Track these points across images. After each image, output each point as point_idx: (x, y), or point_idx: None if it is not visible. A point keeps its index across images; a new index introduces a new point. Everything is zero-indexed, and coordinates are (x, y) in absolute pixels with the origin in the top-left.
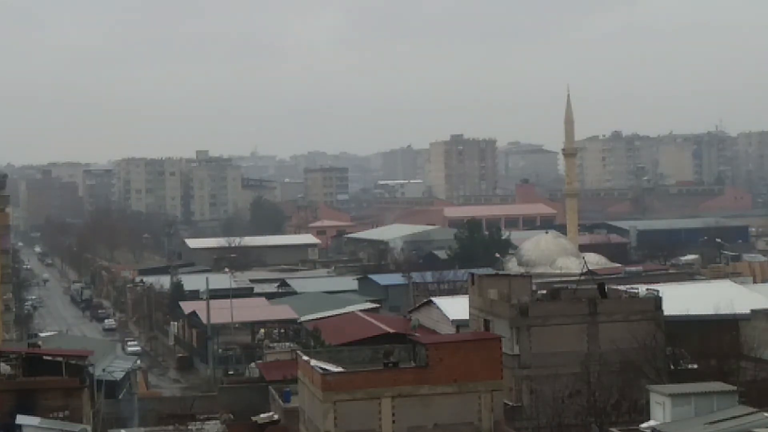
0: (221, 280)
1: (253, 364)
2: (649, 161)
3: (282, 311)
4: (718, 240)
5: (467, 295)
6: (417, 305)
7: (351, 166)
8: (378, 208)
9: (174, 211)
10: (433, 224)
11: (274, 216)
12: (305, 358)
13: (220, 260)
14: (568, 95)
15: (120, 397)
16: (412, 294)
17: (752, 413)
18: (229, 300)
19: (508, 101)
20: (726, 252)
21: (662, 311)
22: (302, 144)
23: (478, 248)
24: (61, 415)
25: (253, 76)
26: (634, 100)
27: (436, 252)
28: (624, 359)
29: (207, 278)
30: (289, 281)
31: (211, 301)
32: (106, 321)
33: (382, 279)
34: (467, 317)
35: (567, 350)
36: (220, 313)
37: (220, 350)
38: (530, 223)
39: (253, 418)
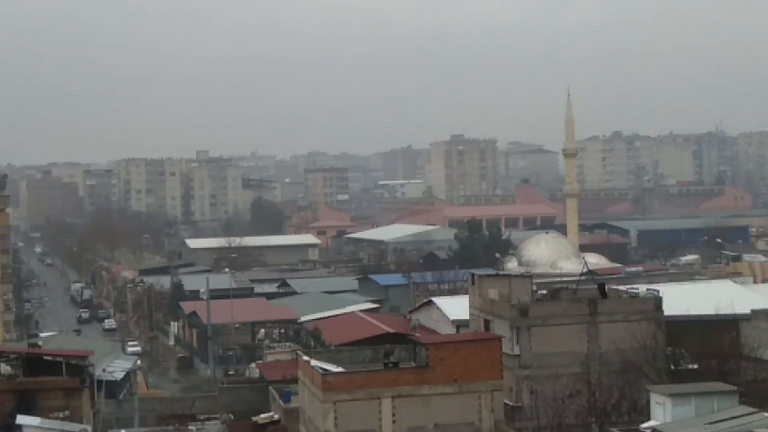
0: (221, 280)
1: (253, 364)
2: (649, 161)
3: (282, 311)
4: (719, 240)
5: (467, 295)
6: (417, 305)
7: (351, 166)
8: (378, 209)
9: (174, 211)
10: (433, 224)
11: (275, 216)
12: (305, 358)
13: (220, 260)
14: (568, 95)
15: (120, 397)
16: (412, 294)
17: (752, 413)
18: (229, 300)
19: (508, 101)
20: (726, 252)
21: (662, 311)
22: (302, 144)
23: (479, 248)
24: (61, 415)
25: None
26: (634, 100)
27: (436, 252)
28: (624, 359)
29: (207, 278)
30: (289, 281)
31: (212, 301)
32: (106, 321)
33: (382, 279)
34: (467, 317)
35: (567, 350)
36: (220, 313)
37: (220, 350)
38: (530, 223)
39: (253, 418)
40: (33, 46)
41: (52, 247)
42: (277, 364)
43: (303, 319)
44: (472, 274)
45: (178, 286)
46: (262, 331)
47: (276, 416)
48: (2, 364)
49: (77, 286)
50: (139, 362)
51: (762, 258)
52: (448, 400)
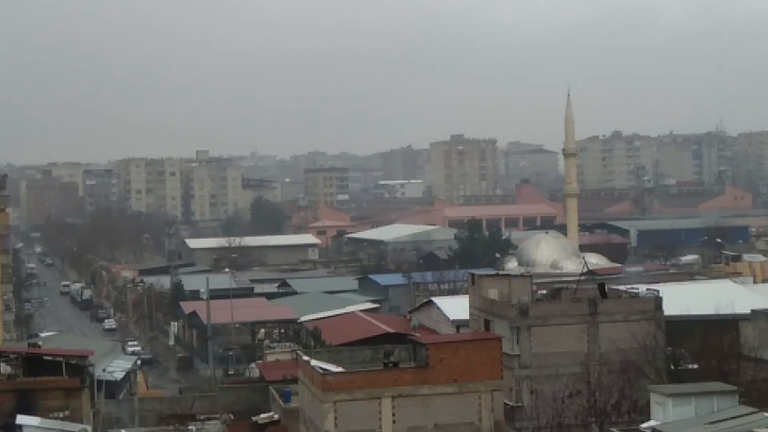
0: (221, 280)
1: (253, 364)
2: (649, 161)
3: (282, 311)
4: (718, 240)
5: (467, 295)
6: (417, 305)
7: (351, 166)
8: (378, 209)
9: (174, 211)
10: (433, 224)
11: (274, 216)
12: (305, 358)
13: (220, 260)
14: (568, 95)
15: (120, 397)
16: (412, 294)
17: (752, 413)
18: (229, 300)
19: (508, 101)
20: (726, 252)
21: (662, 311)
22: (302, 144)
23: (479, 248)
24: (61, 415)
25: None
26: (634, 100)
27: (436, 252)
28: (624, 359)
29: (207, 278)
30: (289, 281)
31: (211, 301)
32: (106, 321)
33: (382, 279)
34: (467, 317)
35: (567, 350)
36: (220, 313)
37: (220, 350)
38: (530, 223)
39: (253, 418)
40: (33, 46)
41: (52, 247)
42: (277, 364)
43: (303, 319)
44: (472, 274)
45: (178, 286)
46: (262, 331)
47: (276, 416)
48: (2, 364)
49: (77, 286)
50: (139, 362)
51: (762, 258)
52: (448, 400)
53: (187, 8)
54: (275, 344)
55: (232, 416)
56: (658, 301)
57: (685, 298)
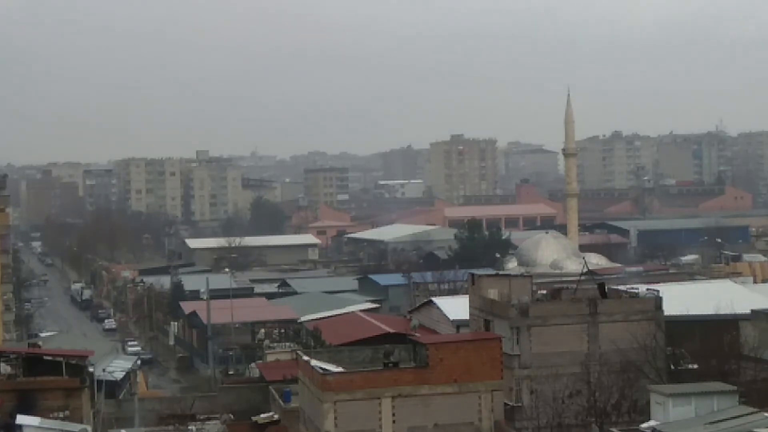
0: (221, 280)
1: (253, 364)
2: (649, 161)
3: (282, 311)
4: (718, 240)
5: (467, 295)
6: (417, 305)
7: (351, 166)
8: (378, 209)
9: (174, 211)
10: (433, 224)
11: (274, 216)
12: (305, 358)
13: (220, 260)
14: (568, 95)
15: (120, 397)
16: (412, 294)
17: (752, 413)
18: (229, 300)
19: (508, 101)
20: (726, 252)
21: (662, 311)
22: (302, 144)
23: (478, 248)
24: (61, 415)
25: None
26: (634, 100)
27: (436, 252)
28: (624, 359)
29: (207, 278)
30: (289, 281)
31: (212, 301)
32: (106, 321)
33: (382, 279)
34: (467, 317)
35: (567, 350)
36: (220, 313)
37: (220, 350)
38: (530, 223)
39: (253, 418)
40: (32, 46)
41: (52, 247)
42: (277, 364)
43: (303, 319)
44: (472, 274)
45: (178, 286)
46: (262, 331)
47: (276, 416)
48: (2, 364)
49: (77, 286)
50: (138, 362)
51: (762, 258)
52: (448, 400)
53: (186, 8)
54: (275, 344)
55: (232, 416)
56: (658, 301)
57: (685, 298)
